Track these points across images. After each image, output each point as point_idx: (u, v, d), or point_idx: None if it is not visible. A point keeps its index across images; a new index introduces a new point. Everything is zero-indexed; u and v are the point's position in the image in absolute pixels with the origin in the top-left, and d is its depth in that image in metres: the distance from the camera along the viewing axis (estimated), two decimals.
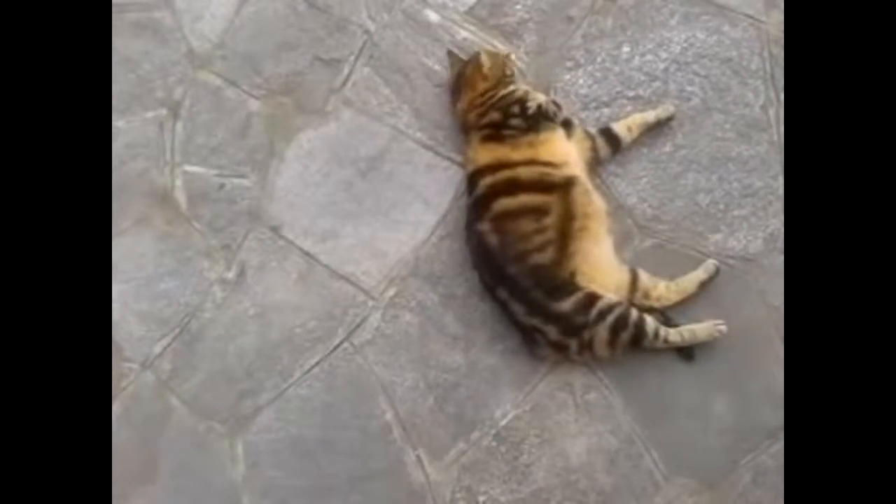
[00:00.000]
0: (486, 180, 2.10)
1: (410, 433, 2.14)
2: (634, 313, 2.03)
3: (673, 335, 2.04)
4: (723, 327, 2.05)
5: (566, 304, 2.02)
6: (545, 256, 2.05)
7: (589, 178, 2.12)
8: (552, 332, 2.04)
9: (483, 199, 2.10)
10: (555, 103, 2.14)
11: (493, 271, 2.09)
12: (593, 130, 2.16)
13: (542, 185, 2.07)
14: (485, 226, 2.09)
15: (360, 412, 2.15)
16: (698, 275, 2.10)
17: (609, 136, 2.15)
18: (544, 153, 2.10)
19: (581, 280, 2.04)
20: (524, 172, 2.08)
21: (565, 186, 2.07)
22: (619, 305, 2.03)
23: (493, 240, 2.08)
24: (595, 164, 2.16)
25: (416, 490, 2.12)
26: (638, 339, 2.02)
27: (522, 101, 2.12)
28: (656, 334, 2.03)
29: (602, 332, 2.02)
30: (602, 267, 2.07)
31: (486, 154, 2.13)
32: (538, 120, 2.11)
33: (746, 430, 2.06)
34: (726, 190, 2.16)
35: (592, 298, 2.02)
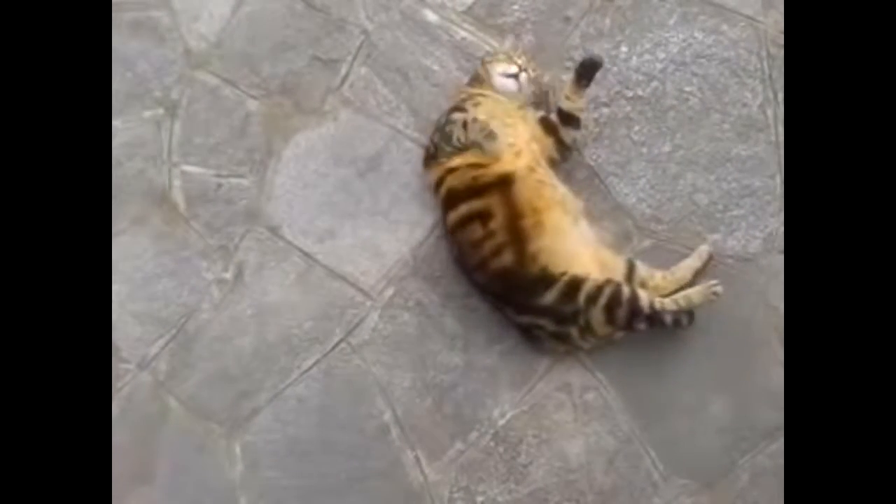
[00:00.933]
0: (439, 194, 2.11)
1: (408, 433, 2.14)
2: (626, 290, 2.00)
3: (669, 304, 2.02)
4: (718, 288, 2.02)
5: (549, 297, 2.01)
6: (504, 260, 2.03)
7: (542, 169, 2.07)
8: (548, 324, 2.04)
9: (441, 212, 2.12)
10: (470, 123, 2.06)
11: (469, 281, 2.12)
12: (555, 119, 2.11)
13: (477, 189, 2.04)
14: (449, 238, 2.12)
15: (358, 412, 2.15)
16: (692, 262, 2.09)
17: (564, 116, 2.10)
18: (466, 158, 2.06)
19: (556, 270, 2.01)
20: (452, 181, 2.07)
21: (502, 185, 2.03)
22: (609, 285, 2.00)
23: (455, 252, 2.11)
24: (566, 155, 2.14)
25: (415, 490, 2.12)
26: (635, 313, 2.00)
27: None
28: (652, 306, 2.00)
29: (597, 314, 2.00)
30: (575, 255, 2.03)
31: (433, 171, 2.14)
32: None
33: (744, 430, 2.06)
34: (725, 190, 2.15)
35: (575, 284, 2.00)
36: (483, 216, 2.03)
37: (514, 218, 2.02)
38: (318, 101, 2.26)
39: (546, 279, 2.01)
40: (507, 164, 2.04)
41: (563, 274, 2.01)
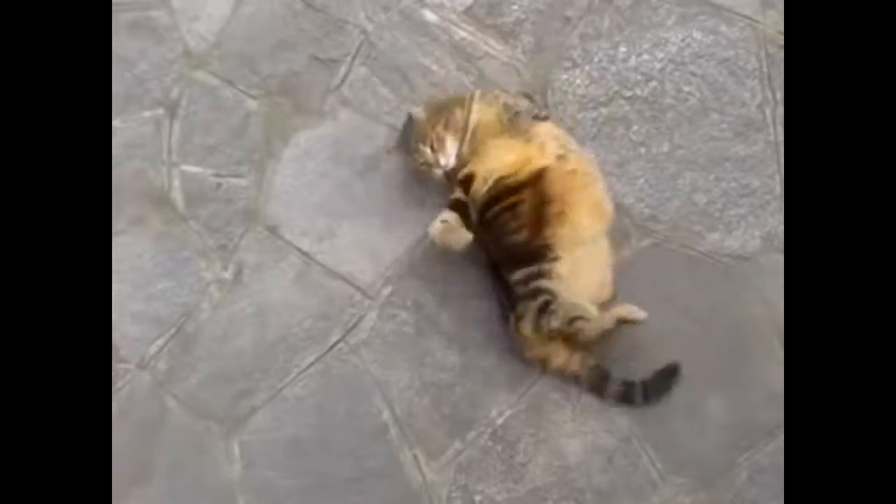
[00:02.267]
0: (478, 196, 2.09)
1: (407, 433, 2.14)
2: (562, 311, 1.99)
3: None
4: (641, 314, 1.98)
5: (518, 274, 2.02)
6: (520, 237, 2.04)
7: (573, 155, 2.07)
8: (505, 301, 2.07)
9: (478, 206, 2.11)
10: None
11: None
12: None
13: (510, 189, 2.05)
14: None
15: (356, 412, 2.15)
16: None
17: None
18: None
19: (550, 254, 2.01)
20: (484, 197, 2.07)
21: (535, 179, 2.04)
22: (546, 293, 2.00)
23: (486, 239, 2.10)
24: None
25: (413, 490, 2.12)
26: (544, 311, 1.99)
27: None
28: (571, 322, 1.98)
29: (531, 310, 2.01)
30: (583, 268, 2.04)
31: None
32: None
33: (743, 428, 2.06)
34: (723, 189, 2.16)
35: (540, 273, 2.00)
36: (515, 205, 2.04)
37: (542, 202, 2.02)
38: (318, 101, 2.26)
39: (537, 254, 2.01)
40: (537, 162, 2.05)
41: (552, 258, 2.01)
